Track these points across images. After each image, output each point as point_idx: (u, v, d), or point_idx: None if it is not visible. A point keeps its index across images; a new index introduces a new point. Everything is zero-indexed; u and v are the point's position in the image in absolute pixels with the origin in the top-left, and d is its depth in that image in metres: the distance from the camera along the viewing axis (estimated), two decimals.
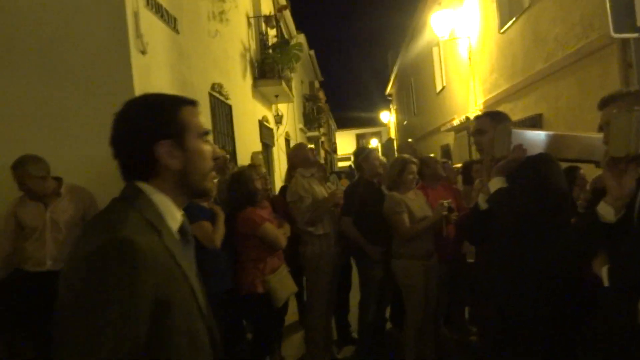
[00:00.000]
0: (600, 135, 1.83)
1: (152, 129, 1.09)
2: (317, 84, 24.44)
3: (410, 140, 8.64)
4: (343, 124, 39.30)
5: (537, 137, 2.40)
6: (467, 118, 9.84)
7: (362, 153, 4.16)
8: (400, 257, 3.60)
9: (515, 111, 7.62)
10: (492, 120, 2.58)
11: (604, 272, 1.66)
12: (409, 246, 3.56)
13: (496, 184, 2.42)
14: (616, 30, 4.60)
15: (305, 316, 4.24)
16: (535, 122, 6.96)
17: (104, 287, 0.90)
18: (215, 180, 2.63)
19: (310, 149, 4.28)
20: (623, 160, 1.62)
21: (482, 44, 9.20)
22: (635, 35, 4.62)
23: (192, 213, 2.35)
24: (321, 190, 3.89)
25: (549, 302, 2.23)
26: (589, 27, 5.47)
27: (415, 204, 3.65)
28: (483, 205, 2.58)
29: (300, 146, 4.35)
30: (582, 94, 5.72)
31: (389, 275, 3.75)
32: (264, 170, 4.35)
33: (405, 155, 3.85)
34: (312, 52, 19.84)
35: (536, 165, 2.31)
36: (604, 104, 1.82)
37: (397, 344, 4.11)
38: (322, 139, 22.80)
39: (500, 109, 8.22)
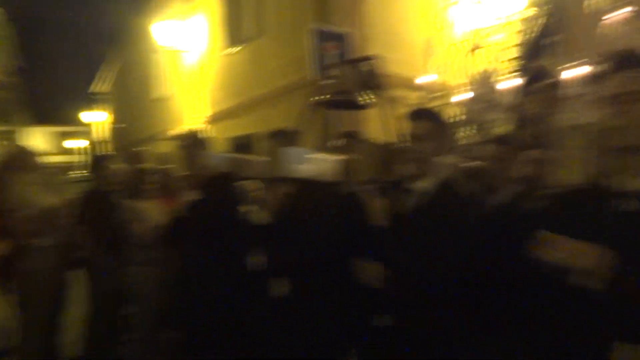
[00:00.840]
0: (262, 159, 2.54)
1: None
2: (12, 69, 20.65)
3: (135, 149, 8.42)
4: (43, 120, 34.08)
5: (221, 159, 3.01)
6: (190, 129, 10.15)
7: (97, 160, 3.98)
8: (134, 264, 3.62)
9: (237, 128, 8.47)
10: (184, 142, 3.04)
11: None
12: (143, 254, 3.62)
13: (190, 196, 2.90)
14: (311, 75, 5.79)
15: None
16: (252, 140, 7.92)
17: None
18: None
19: (29, 151, 3.82)
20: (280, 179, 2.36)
21: (209, 60, 9.76)
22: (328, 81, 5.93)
23: None
24: (45, 198, 3.55)
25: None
26: (298, 67, 6.66)
27: (152, 213, 3.74)
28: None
29: (17, 148, 3.85)
30: (287, 121, 6.89)
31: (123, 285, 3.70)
32: None
33: (147, 165, 3.90)
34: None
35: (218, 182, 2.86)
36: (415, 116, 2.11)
37: None
38: (14, 134, 19.42)
39: (225, 125, 8.98)
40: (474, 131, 4.42)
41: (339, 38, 5.79)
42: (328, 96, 2.93)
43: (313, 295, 2.27)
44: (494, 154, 2.56)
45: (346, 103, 2.83)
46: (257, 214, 2.40)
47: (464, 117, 4.45)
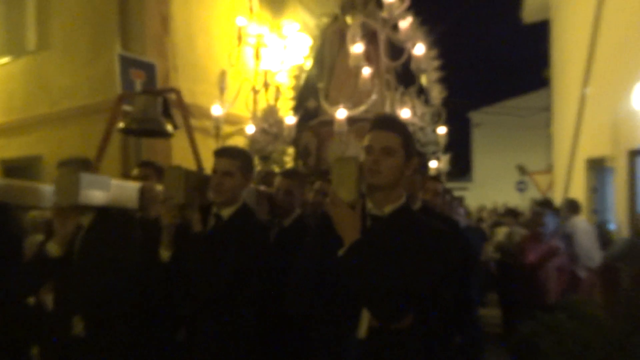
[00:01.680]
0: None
1: None
2: None
3: None
4: None
5: None
6: None
7: None
8: None
9: (10, 148, 7.65)
10: None
11: None
12: None
13: None
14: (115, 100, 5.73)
15: None
16: (34, 163, 7.29)
17: None
18: None
19: None
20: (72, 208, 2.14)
21: None
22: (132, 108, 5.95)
23: None
24: None
25: None
26: (94, 89, 6.46)
27: None
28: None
29: None
30: (86, 143, 6.55)
31: None
32: None
33: None
34: None
35: None
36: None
37: None
38: None
39: None
40: (260, 160, 5.05)
41: (146, 67, 5.87)
42: (133, 123, 2.98)
43: (109, 333, 2.25)
44: (280, 186, 3.00)
45: (150, 131, 2.97)
46: (47, 246, 2.19)
47: (250, 147, 5.04)
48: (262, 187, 3.19)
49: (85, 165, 2.50)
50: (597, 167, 7.24)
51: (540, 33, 12.20)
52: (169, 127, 3.14)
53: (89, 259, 2.31)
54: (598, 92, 7.16)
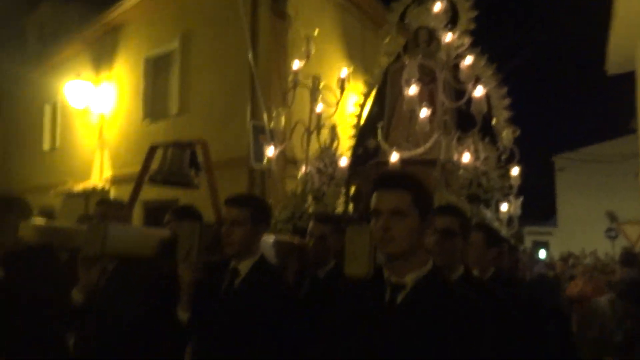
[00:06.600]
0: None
1: None
2: None
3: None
4: None
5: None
6: (92, 187, 9.99)
7: None
8: None
9: (151, 192, 8.39)
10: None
11: None
12: None
13: None
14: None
15: None
16: (171, 205, 7.77)
17: None
18: None
19: None
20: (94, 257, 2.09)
21: (119, 124, 9.90)
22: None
23: None
24: None
25: None
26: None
27: None
28: None
29: None
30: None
31: None
32: None
33: None
34: None
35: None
36: None
37: None
38: None
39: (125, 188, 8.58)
40: (314, 203, 4.88)
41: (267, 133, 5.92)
42: (158, 175, 3.02)
43: None
44: (314, 231, 2.78)
45: (175, 182, 2.98)
46: (71, 293, 2.20)
47: (304, 190, 4.89)
48: (295, 239, 3.02)
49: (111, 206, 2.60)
50: None
51: (626, 84, 11.62)
52: (195, 179, 3.14)
53: (108, 306, 2.28)
54: None
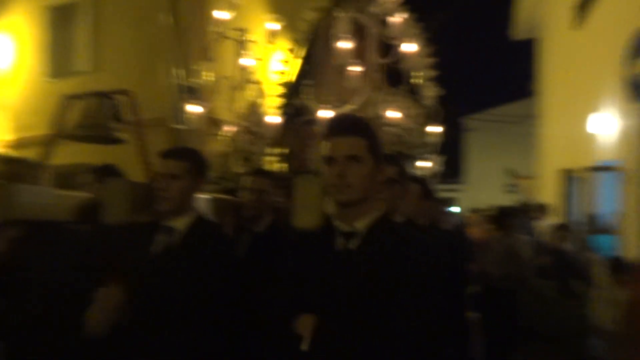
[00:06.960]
0: None
1: None
2: None
3: None
4: None
5: None
6: None
7: None
8: None
9: (59, 157, 7.63)
10: None
11: None
12: None
13: None
14: None
15: None
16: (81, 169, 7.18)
17: None
18: None
19: None
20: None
21: (18, 82, 8.78)
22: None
23: None
24: None
25: None
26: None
27: None
28: None
29: None
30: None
31: None
32: None
33: None
34: None
35: None
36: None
37: None
38: None
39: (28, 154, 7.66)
40: (242, 162, 4.73)
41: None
42: (76, 129, 2.67)
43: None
44: (254, 185, 2.69)
45: (96, 137, 2.65)
46: None
47: (232, 149, 4.73)
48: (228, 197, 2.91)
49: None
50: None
51: (527, 49, 12.79)
52: (119, 133, 2.79)
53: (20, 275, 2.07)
54: (568, 113, 8.07)
